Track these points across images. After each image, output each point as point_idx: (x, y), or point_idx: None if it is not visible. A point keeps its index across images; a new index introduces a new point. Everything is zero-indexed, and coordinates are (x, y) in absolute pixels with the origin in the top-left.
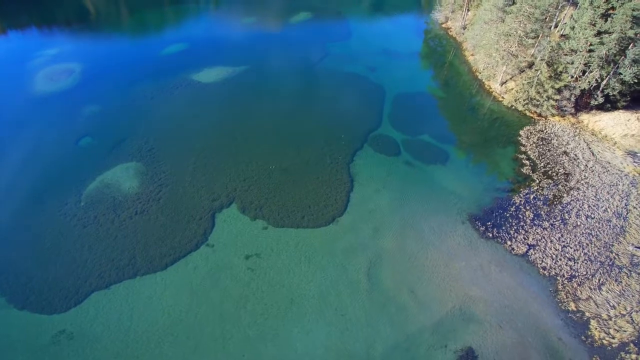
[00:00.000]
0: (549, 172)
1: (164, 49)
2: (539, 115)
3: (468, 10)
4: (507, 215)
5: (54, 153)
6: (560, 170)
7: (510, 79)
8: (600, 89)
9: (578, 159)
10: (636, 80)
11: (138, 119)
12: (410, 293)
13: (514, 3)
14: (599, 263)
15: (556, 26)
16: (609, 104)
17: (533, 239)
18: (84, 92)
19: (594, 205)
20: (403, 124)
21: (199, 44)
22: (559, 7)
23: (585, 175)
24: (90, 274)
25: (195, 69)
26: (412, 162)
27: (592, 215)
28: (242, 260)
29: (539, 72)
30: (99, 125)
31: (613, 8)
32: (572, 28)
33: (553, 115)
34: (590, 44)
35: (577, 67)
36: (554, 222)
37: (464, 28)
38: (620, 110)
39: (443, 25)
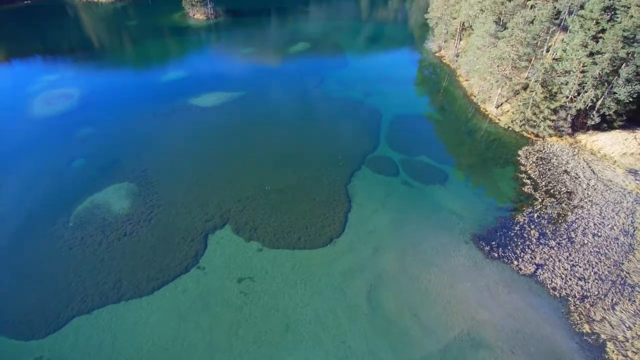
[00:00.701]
0: (551, 191)
1: (163, 77)
2: (537, 135)
3: (460, 39)
4: (512, 234)
5: (45, 174)
6: (563, 189)
7: (506, 101)
8: (596, 109)
9: (579, 177)
10: (631, 99)
11: (133, 141)
12: (414, 317)
13: (505, 28)
14: (610, 282)
15: (548, 50)
16: (606, 124)
17: (540, 258)
18: (80, 116)
19: (599, 223)
20: (400, 146)
21: (198, 71)
22: (550, 31)
23: (588, 194)
24: (73, 297)
25: (194, 94)
26: (410, 182)
27: (599, 234)
28: (234, 283)
29: (533, 93)
30: (93, 147)
31: (603, 30)
32: (564, 50)
33: (550, 135)
34: (583, 65)
35: (572, 88)
36: (560, 240)
37: (457, 56)
38: (617, 130)
39: (436, 54)
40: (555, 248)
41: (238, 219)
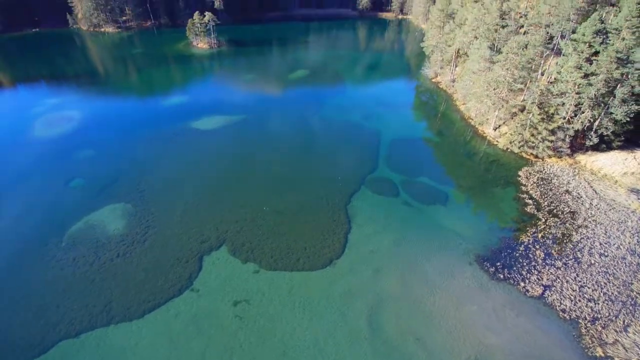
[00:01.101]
0: (554, 211)
1: (165, 101)
2: (536, 156)
3: (456, 65)
4: (517, 255)
5: (41, 193)
6: (566, 209)
7: (503, 123)
8: (594, 129)
9: (582, 197)
10: (628, 119)
11: (132, 162)
12: (417, 341)
13: (499, 53)
14: (620, 303)
15: (542, 74)
16: (604, 144)
17: (548, 279)
18: (80, 138)
19: (605, 243)
20: (400, 167)
21: (199, 96)
22: (544, 56)
23: (591, 213)
24: (61, 320)
25: (195, 118)
26: (411, 203)
27: (606, 253)
28: (229, 306)
29: (530, 114)
30: (92, 168)
31: (597, 53)
32: (559, 72)
33: (550, 156)
34: (579, 86)
35: (569, 109)
36: (567, 261)
37: (453, 81)
38: (616, 151)
39: (433, 80)
40: (562, 269)
41: (235, 240)
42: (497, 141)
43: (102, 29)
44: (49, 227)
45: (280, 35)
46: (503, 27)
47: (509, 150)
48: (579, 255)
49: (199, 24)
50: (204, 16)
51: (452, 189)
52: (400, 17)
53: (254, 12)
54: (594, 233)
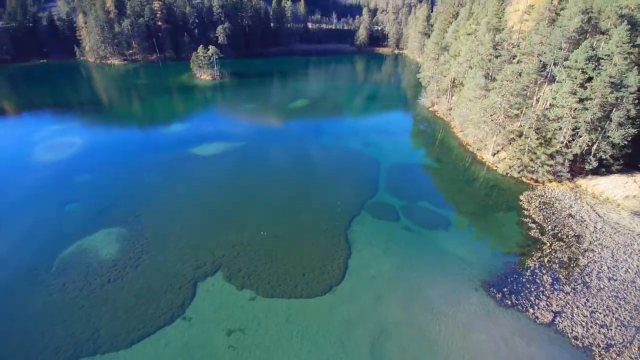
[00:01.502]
0: (559, 235)
1: (166, 129)
2: (536, 181)
3: (452, 95)
4: (524, 280)
5: (35, 217)
6: (570, 233)
7: (502, 149)
8: (592, 153)
9: (585, 221)
10: (626, 142)
11: (130, 187)
12: None
13: (494, 81)
14: (634, 328)
15: (537, 102)
16: (604, 168)
17: (557, 305)
18: (79, 163)
19: (613, 267)
20: (400, 192)
21: (200, 124)
22: (538, 83)
23: (597, 237)
24: (45, 348)
25: (194, 145)
26: (412, 227)
27: (614, 277)
28: (223, 336)
29: (528, 139)
30: (89, 192)
31: (590, 79)
32: (554, 98)
33: (550, 181)
34: (575, 110)
35: (566, 133)
36: (575, 286)
37: (450, 109)
38: (616, 174)
39: (430, 109)
40: (571, 294)
41: (231, 266)
42: (496, 166)
43: (109, 61)
44: (41, 251)
45: (281, 68)
46: (496, 57)
47: (508, 175)
48: (588, 280)
49: (202, 57)
50: (208, 49)
51: (454, 214)
52: (396, 51)
53: (257, 47)
54: (601, 257)
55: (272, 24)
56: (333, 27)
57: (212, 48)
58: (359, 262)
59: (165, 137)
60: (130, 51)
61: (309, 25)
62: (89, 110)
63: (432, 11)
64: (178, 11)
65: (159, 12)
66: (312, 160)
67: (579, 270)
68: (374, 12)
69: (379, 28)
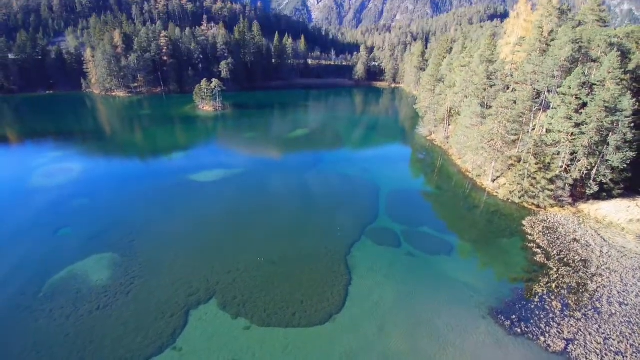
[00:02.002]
0: (565, 260)
1: (166, 156)
2: (537, 206)
3: (449, 124)
4: (532, 306)
5: (26, 241)
6: (576, 257)
7: (501, 175)
8: (592, 177)
9: (591, 245)
10: (625, 166)
11: (125, 212)
12: None
13: (489, 108)
14: None
15: (534, 129)
16: (605, 193)
17: (569, 332)
18: (76, 188)
19: (623, 291)
20: (400, 217)
21: (200, 152)
22: (533, 110)
23: (604, 261)
24: None
25: (193, 172)
26: (414, 253)
27: (625, 302)
28: None
29: (527, 164)
30: (83, 217)
31: (585, 104)
32: (550, 124)
33: (552, 206)
34: (572, 134)
35: (565, 157)
36: (586, 311)
37: (447, 138)
38: (618, 199)
39: (428, 138)
40: (582, 320)
41: (226, 293)
42: (496, 192)
43: (114, 93)
44: (29, 276)
45: (282, 100)
46: (491, 86)
47: (509, 200)
48: (598, 305)
49: (205, 89)
50: (211, 82)
51: (456, 240)
52: (393, 85)
53: (258, 81)
54: (610, 281)
55: (273, 60)
56: (332, 63)
57: (215, 81)
58: (360, 289)
59: (164, 165)
60: (136, 84)
61: (309, 61)
62: (90, 138)
63: (426, 48)
64: (183, 47)
65: (165, 48)
66: (311, 186)
67: (588, 296)
68: (371, 49)
69: (376, 64)
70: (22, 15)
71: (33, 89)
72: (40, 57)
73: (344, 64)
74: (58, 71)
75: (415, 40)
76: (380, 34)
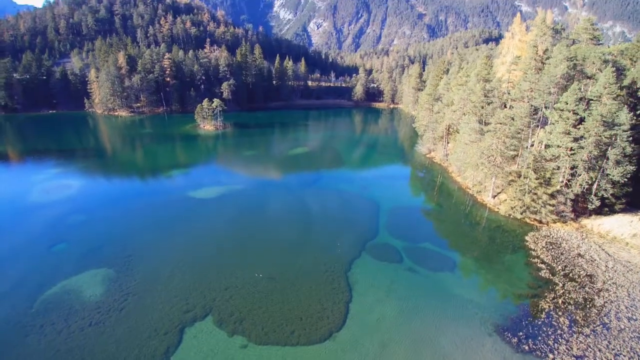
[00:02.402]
0: (570, 275)
1: (166, 173)
2: (540, 222)
3: (448, 142)
4: (539, 323)
5: (20, 256)
6: (582, 272)
7: (502, 191)
8: (593, 192)
9: (595, 260)
10: (626, 180)
11: (122, 228)
12: None
13: (488, 124)
14: None
15: (532, 145)
16: (607, 208)
17: (578, 349)
18: (73, 204)
19: (631, 306)
20: (401, 234)
21: (200, 169)
22: (531, 126)
23: (609, 276)
24: None
25: (193, 189)
26: (416, 269)
27: (634, 317)
28: None
29: (527, 179)
30: (79, 233)
31: (582, 119)
32: (549, 139)
33: (555, 221)
34: (571, 149)
35: (565, 172)
36: (595, 327)
37: (447, 155)
38: (620, 214)
39: (427, 156)
40: (591, 336)
41: (222, 310)
42: (497, 208)
43: (116, 113)
44: (21, 291)
45: (282, 120)
46: (488, 103)
47: (511, 216)
48: (607, 321)
49: (207, 109)
50: (213, 102)
51: (459, 256)
52: (392, 106)
53: (259, 101)
54: (617, 296)
55: (274, 82)
56: (331, 85)
57: (216, 100)
58: (361, 306)
59: (163, 182)
60: (138, 104)
61: (309, 83)
62: (90, 155)
63: (423, 70)
64: (186, 69)
65: (169, 69)
66: (310, 203)
67: (596, 311)
68: (369, 72)
69: (375, 85)
70: (29, 36)
71: (36, 108)
72: (44, 77)
73: (343, 85)
74: (62, 91)
75: (412, 63)
76: (378, 58)
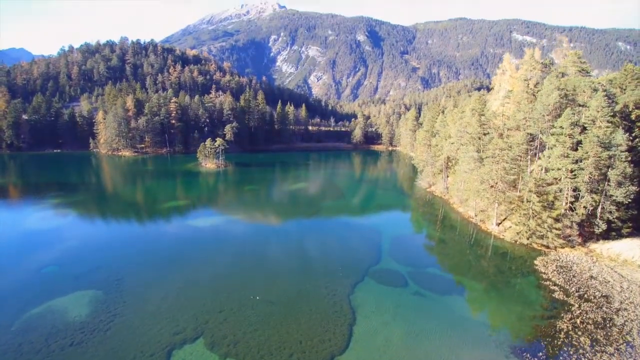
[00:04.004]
0: (585, 296)
1: (163, 204)
2: (547, 247)
3: (447, 176)
4: (559, 343)
5: (8, 277)
6: (597, 293)
7: (506, 218)
8: (598, 216)
9: (609, 281)
10: (630, 201)
11: (115, 253)
12: None
13: (486, 150)
14: None
15: (532, 171)
16: (614, 232)
17: None
18: (68, 231)
19: None
20: (405, 259)
21: (199, 201)
22: (529, 153)
23: (626, 296)
24: None
25: (192, 218)
26: (423, 293)
27: None
28: None
29: (531, 203)
30: (71, 257)
31: (579, 143)
32: (548, 163)
33: (562, 246)
34: (571, 171)
35: (567, 194)
36: (618, 346)
37: (447, 189)
38: (627, 238)
39: (428, 190)
40: (615, 354)
41: (215, 332)
42: (503, 235)
43: (120, 153)
44: (3, 310)
45: (283, 160)
46: (485, 134)
47: (517, 242)
48: (630, 339)
49: (209, 148)
50: (216, 140)
51: (467, 280)
52: (390, 148)
53: (261, 144)
54: (637, 315)
55: (275, 126)
56: (331, 129)
57: (219, 140)
58: (365, 329)
59: (161, 211)
60: (142, 145)
61: (309, 127)
62: (89, 188)
63: (419, 115)
64: (192, 112)
65: (174, 112)
66: (310, 232)
67: (617, 330)
68: (367, 117)
69: (374, 129)
70: (41, 80)
71: (42, 147)
72: (52, 119)
73: (343, 129)
74: (68, 132)
75: (408, 110)
76: (375, 106)
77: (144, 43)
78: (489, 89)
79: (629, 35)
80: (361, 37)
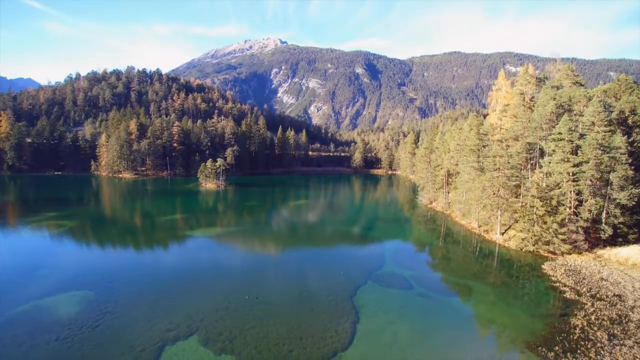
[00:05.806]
0: (597, 295)
1: (162, 218)
2: (554, 253)
3: (448, 192)
4: (575, 337)
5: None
6: (609, 293)
7: (509, 227)
8: (604, 221)
9: (620, 282)
10: (634, 203)
11: (110, 259)
12: None
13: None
14: None
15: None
16: (620, 238)
17: (624, 359)
18: (64, 239)
19: None
20: (409, 265)
21: (199, 215)
22: (529, 162)
23: (639, 295)
24: None
25: (190, 229)
26: (428, 295)
27: None
28: None
29: (534, 208)
30: (65, 261)
31: (579, 147)
32: (549, 168)
33: (569, 252)
34: (573, 174)
35: (570, 198)
36: (637, 339)
37: (448, 204)
38: (635, 244)
39: (429, 206)
40: (636, 347)
41: (210, 329)
42: (507, 244)
43: (120, 175)
44: None
45: (283, 182)
46: (484, 146)
47: (523, 250)
48: None
49: (210, 168)
50: (216, 161)
51: (473, 282)
52: (389, 172)
53: (261, 167)
54: None
55: (276, 150)
56: (331, 154)
57: (220, 160)
58: (370, 327)
59: (159, 224)
60: (143, 167)
61: (310, 152)
62: (89, 203)
63: (418, 140)
64: (194, 136)
65: (177, 136)
66: (311, 241)
67: (634, 325)
68: (366, 143)
69: (373, 154)
70: (47, 106)
71: (43, 169)
72: (55, 142)
73: (343, 154)
74: (70, 155)
75: (406, 136)
76: (374, 134)
77: (150, 72)
78: (484, 117)
79: (620, 65)
80: (359, 70)
